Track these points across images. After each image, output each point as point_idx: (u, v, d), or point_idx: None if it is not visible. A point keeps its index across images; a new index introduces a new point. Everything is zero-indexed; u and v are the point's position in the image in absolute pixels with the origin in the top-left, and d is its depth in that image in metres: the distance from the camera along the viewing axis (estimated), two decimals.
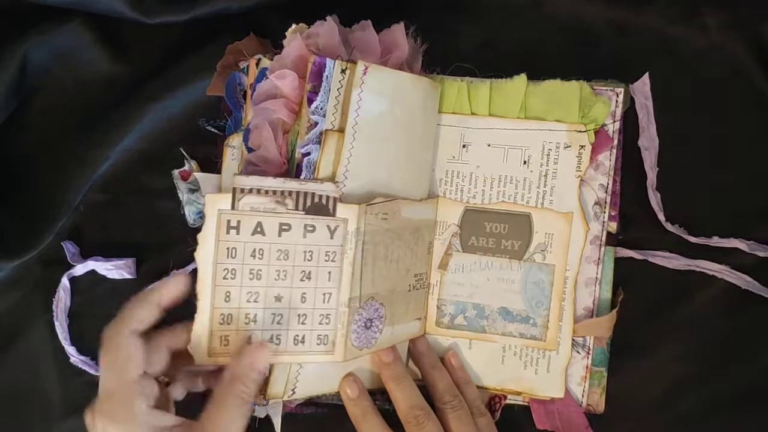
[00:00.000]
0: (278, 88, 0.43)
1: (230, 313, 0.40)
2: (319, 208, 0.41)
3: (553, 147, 0.48)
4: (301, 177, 0.42)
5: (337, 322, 0.42)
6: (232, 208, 0.39)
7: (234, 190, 0.39)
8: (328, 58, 0.42)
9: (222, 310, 0.40)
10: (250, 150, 0.44)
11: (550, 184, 0.48)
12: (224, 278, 0.40)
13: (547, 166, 0.48)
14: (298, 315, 0.42)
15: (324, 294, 0.42)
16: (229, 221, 0.39)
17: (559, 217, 0.48)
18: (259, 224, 0.40)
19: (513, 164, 0.48)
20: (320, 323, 0.42)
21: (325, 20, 0.45)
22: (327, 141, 0.42)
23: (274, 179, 0.40)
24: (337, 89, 0.43)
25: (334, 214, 0.41)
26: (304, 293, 0.41)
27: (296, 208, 0.40)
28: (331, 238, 0.41)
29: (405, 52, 0.46)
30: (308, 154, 0.42)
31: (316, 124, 0.42)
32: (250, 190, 0.39)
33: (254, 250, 0.40)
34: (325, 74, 0.42)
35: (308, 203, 0.41)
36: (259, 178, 0.39)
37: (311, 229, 0.41)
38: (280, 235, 0.40)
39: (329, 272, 0.42)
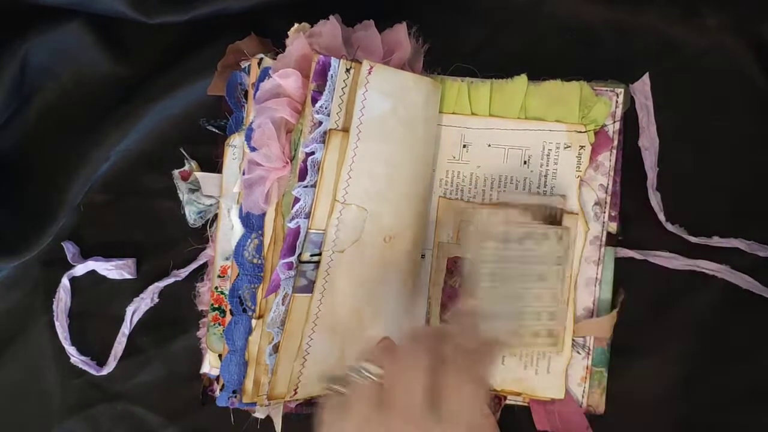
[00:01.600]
0: (281, 87, 0.43)
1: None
2: (552, 219, 0.47)
3: (553, 147, 0.48)
4: (306, 176, 0.42)
5: (561, 318, 0.47)
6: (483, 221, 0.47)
7: (470, 200, 0.48)
8: (333, 57, 0.42)
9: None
10: (252, 149, 0.44)
11: (550, 184, 0.48)
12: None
13: (547, 166, 0.48)
14: (535, 312, 0.47)
15: (552, 293, 0.47)
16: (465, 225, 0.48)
17: (570, 217, 0.48)
18: (506, 233, 0.46)
19: (513, 164, 0.48)
20: (549, 319, 0.47)
21: (328, 20, 0.45)
22: (331, 140, 0.42)
23: (519, 193, 0.48)
24: (342, 88, 0.43)
25: (561, 224, 0.47)
26: (539, 293, 0.47)
27: (534, 220, 0.47)
28: (558, 244, 0.47)
29: (407, 52, 0.47)
30: (312, 153, 0.42)
31: (320, 123, 0.42)
32: (484, 200, 0.48)
33: (501, 256, 0.46)
34: (329, 73, 0.42)
35: (543, 215, 0.47)
36: (509, 193, 0.49)
37: (545, 237, 0.46)
38: (521, 243, 0.46)
39: (557, 274, 0.47)
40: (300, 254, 0.43)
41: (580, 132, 0.48)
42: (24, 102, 0.53)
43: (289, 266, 0.43)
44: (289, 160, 0.44)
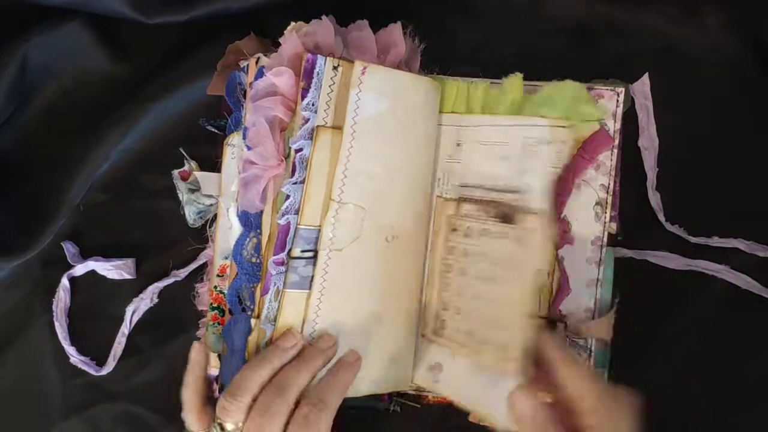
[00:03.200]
0: (275, 85, 0.43)
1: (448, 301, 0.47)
2: (506, 217, 0.45)
3: (533, 143, 0.46)
4: (295, 173, 0.42)
5: (519, 332, 0.43)
6: (455, 213, 0.47)
7: (458, 199, 0.47)
8: (319, 55, 0.42)
9: (443, 296, 0.47)
10: (249, 148, 0.44)
11: (526, 181, 0.45)
12: (445, 272, 0.47)
13: (525, 162, 0.46)
14: (491, 319, 0.45)
15: (509, 300, 0.44)
16: (451, 224, 0.47)
17: (533, 218, 0.45)
18: (469, 228, 0.46)
19: (497, 161, 0.47)
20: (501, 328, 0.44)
21: (321, 19, 0.45)
22: (319, 137, 0.42)
23: (483, 190, 0.46)
24: (329, 86, 0.43)
25: (520, 223, 0.44)
26: (497, 294, 0.45)
27: (495, 217, 0.45)
28: (519, 247, 0.44)
29: (402, 52, 0.46)
30: (300, 150, 0.42)
31: (308, 120, 0.42)
32: (466, 199, 0.47)
33: (465, 250, 0.46)
34: (315, 70, 0.42)
35: (498, 212, 0.45)
36: (471, 188, 0.47)
37: (503, 236, 0.45)
38: (479, 238, 0.46)
39: (517, 278, 0.44)
40: (290, 250, 0.43)
41: (562, 127, 0.46)
42: (24, 102, 0.53)
43: (279, 262, 0.43)
44: (284, 158, 0.44)
